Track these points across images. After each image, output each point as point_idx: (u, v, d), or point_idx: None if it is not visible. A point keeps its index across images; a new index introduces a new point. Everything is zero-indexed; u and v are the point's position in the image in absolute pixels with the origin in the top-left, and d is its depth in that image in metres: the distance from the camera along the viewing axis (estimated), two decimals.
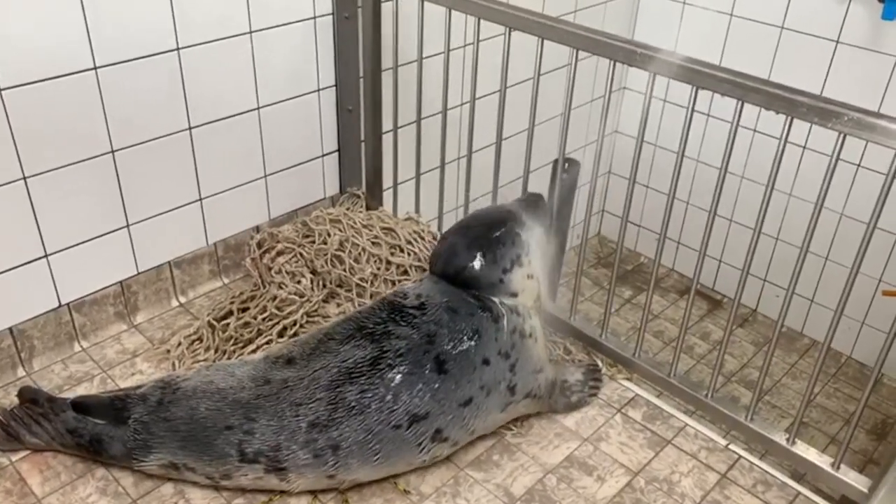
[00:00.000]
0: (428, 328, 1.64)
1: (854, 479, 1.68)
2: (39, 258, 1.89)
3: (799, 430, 1.79)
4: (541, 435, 1.83)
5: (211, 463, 1.59)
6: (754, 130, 3.09)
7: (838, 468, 1.70)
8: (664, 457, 1.79)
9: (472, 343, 1.65)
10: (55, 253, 1.91)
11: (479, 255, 1.71)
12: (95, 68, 1.80)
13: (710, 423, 2.07)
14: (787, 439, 1.77)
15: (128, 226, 2.03)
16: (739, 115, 1.62)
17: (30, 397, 1.72)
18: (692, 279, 1.86)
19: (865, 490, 1.65)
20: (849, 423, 1.71)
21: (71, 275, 1.96)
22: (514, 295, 1.73)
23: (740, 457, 1.80)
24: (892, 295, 2.94)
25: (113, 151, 1.91)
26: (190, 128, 2.04)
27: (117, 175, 1.95)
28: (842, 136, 1.45)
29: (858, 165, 2.94)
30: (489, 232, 1.74)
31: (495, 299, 1.71)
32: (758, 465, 1.79)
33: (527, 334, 1.73)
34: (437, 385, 1.60)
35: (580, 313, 2.15)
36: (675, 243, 3.65)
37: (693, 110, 1.68)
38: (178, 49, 1.93)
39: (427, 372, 1.60)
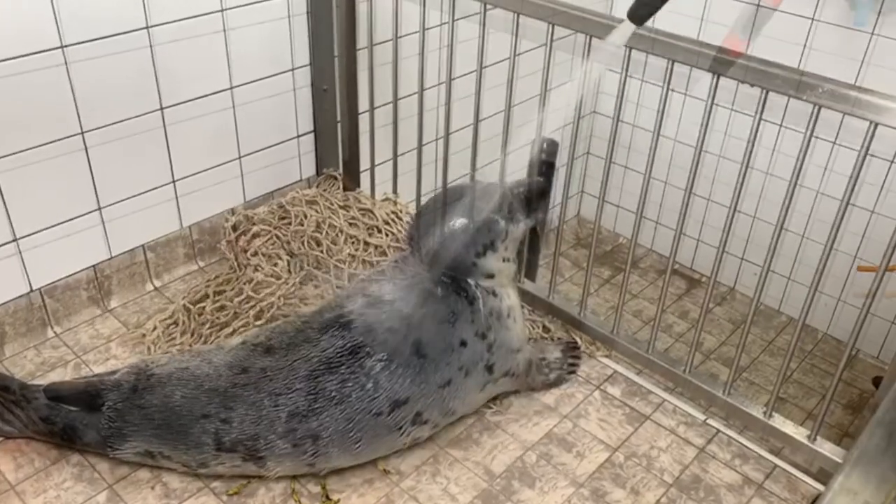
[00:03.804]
0: (406, 314, 1.63)
1: (830, 451, 1.70)
2: (9, 242, 1.85)
3: (777, 406, 1.80)
4: (520, 413, 1.83)
5: (187, 451, 1.57)
6: (732, 109, 3.09)
7: (814, 440, 1.72)
8: (643, 432, 1.80)
9: (449, 326, 1.64)
10: (25, 237, 1.88)
11: (450, 238, 1.69)
12: (63, 47, 1.76)
13: (689, 400, 2.08)
14: (765, 413, 1.78)
15: (100, 209, 1.99)
16: (715, 91, 1.61)
17: (2, 385, 1.69)
18: (669, 258, 1.86)
19: (841, 461, 1.67)
20: (824, 398, 1.72)
21: (42, 259, 1.93)
22: (490, 276, 1.72)
23: (718, 431, 1.82)
24: (868, 270, 2.97)
25: (83, 133, 1.87)
26: (161, 108, 2.00)
27: (88, 157, 1.91)
28: (817, 108, 1.45)
29: (834, 143, 2.96)
30: (463, 215, 1.71)
31: (471, 281, 1.70)
32: (736, 440, 1.80)
33: (504, 315, 1.73)
34: (416, 369, 1.60)
35: (560, 293, 2.15)
36: (653, 223, 3.66)
37: (668, 85, 1.67)
38: (147, 27, 1.89)
39: (406, 357, 1.59)
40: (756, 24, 1.33)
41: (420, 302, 1.65)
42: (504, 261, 1.75)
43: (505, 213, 1.75)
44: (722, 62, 1.53)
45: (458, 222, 1.71)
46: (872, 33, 2.75)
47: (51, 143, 1.83)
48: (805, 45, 2.92)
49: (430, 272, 1.70)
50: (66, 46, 1.76)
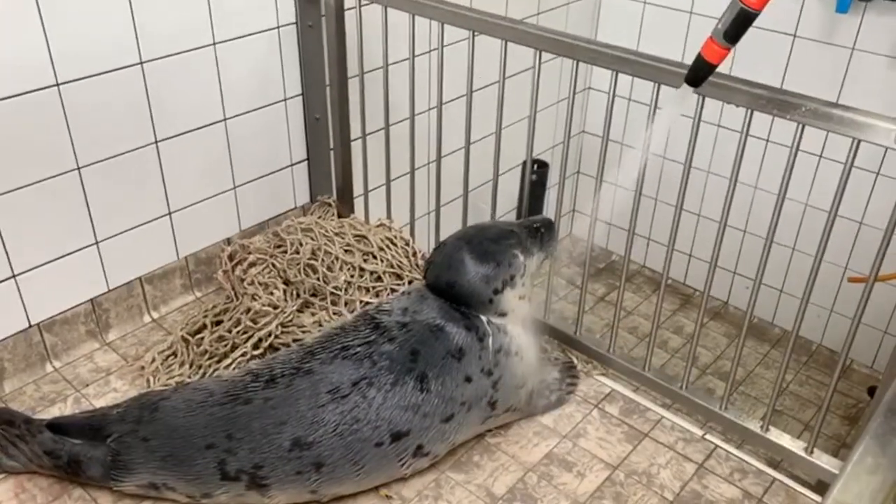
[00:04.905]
0: (411, 346, 1.63)
1: (827, 463, 1.72)
2: (7, 279, 1.86)
3: (773, 419, 1.82)
4: (520, 434, 1.84)
5: (192, 482, 1.57)
6: (718, 125, 3.14)
7: (811, 453, 1.74)
8: (642, 450, 1.81)
9: (456, 361, 1.65)
10: (23, 273, 1.89)
11: (472, 272, 1.69)
12: (58, 84, 1.79)
13: (687, 415, 2.10)
14: (762, 427, 1.80)
15: (97, 243, 2.01)
16: (701, 111, 1.65)
17: (5, 419, 1.69)
18: (662, 274, 1.89)
19: (838, 473, 1.68)
20: (820, 409, 1.75)
21: (40, 294, 1.94)
22: (504, 314, 1.73)
23: (717, 446, 1.83)
24: (859, 281, 3.00)
25: (79, 168, 1.90)
26: (156, 141, 2.03)
27: (84, 192, 1.93)
28: (801, 126, 1.49)
29: (820, 156, 3.00)
30: (487, 249, 1.72)
31: (483, 317, 1.70)
32: (734, 454, 1.81)
33: (512, 353, 1.73)
34: (419, 403, 1.60)
35: (555, 312, 2.17)
36: (645, 240, 3.69)
37: (657, 106, 1.71)
38: (141, 63, 1.92)
39: (410, 390, 1.60)
40: (738, 29, 1.34)
41: (428, 337, 1.66)
42: (520, 298, 1.76)
43: (522, 248, 1.76)
44: (708, 84, 1.56)
45: (479, 258, 1.70)
46: (858, 29, 2.79)
47: (48, 179, 1.85)
48: (791, 35, 2.97)
49: (441, 305, 1.70)
50: (60, 84, 1.79)
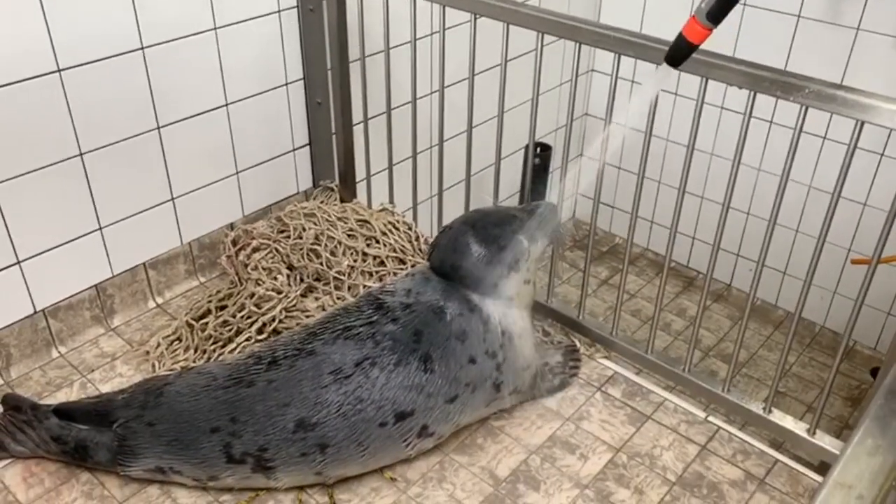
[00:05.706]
0: (415, 327, 1.64)
1: (830, 444, 1.73)
2: (12, 265, 1.87)
3: (776, 400, 1.83)
4: (523, 416, 1.85)
5: (198, 465, 1.59)
6: (722, 107, 3.12)
7: (814, 434, 1.74)
8: (645, 432, 1.82)
9: (459, 343, 1.65)
10: (28, 259, 1.90)
11: (476, 256, 1.69)
12: (59, 70, 1.78)
13: (690, 398, 2.11)
14: (765, 408, 1.81)
15: (100, 229, 2.01)
16: (704, 92, 1.64)
17: (13, 405, 1.71)
18: (665, 257, 1.89)
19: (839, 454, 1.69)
20: (823, 391, 1.75)
21: (45, 280, 1.95)
22: (508, 298, 1.73)
23: (719, 428, 1.84)
24: (862, 263, 2.99)
25: (81, 154, 1.90)
26: (158, 127, 2.03)
27: (87, 178, 1.93)
28: (804, 108, 1.48)
29: (824, 138, 2.99)
30: (491, 233, 1.72)
31: (487, 300, 1.70)
32: (737, 436, 1.82)
33: (516, 335, 1.73)
34: (423, 383, 1.61)
35: (558, 296, 2.17)
36: (648, 223, 3.69)
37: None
38: (142, 48, 1.91)
39: (413, 370, 1.60)
40: (722, 9, 1.29)
41: (432, 318, 1.66)
42: (525, 283, 1.76)
43: (526, 232, 1.76)
44: (709, 66, 1.55)
45: (485, 242, 1.71)
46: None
47: (51, 165, 1.85)
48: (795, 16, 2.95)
49: (445, 287, 1.70)
50: (62, 70, 1.79)
